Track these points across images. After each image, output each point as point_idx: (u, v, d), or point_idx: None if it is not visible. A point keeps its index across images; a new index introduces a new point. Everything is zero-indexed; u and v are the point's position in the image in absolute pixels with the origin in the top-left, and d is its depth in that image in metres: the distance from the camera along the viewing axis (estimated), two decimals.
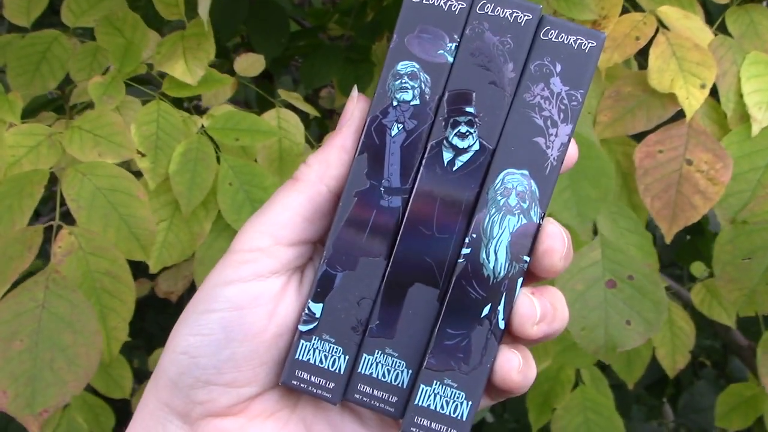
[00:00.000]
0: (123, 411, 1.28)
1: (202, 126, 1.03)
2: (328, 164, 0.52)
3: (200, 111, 1.12)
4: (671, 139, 0.99)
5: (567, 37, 0.51)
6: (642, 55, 1.06)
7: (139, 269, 0.97)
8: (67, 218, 0.93)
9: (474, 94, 0.51)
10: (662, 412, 1.63)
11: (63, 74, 1.12)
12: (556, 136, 0.50)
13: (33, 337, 0.85)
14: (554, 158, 0.50)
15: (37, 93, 1.12)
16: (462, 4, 0.51)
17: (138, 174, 0.99)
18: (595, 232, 0.99)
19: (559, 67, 0.51)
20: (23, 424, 0.85)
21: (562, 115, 0.51)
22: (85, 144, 0.95)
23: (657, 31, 1.01)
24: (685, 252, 1.56)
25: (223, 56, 1.61)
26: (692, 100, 0.97)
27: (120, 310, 0.91)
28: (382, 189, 0.51)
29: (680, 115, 1.00)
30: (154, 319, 1.53)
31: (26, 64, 1.12)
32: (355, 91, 0.55)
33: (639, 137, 1.04)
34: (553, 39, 0.51)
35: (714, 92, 1.03)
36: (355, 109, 0.53)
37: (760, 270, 0.94)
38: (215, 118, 1.04)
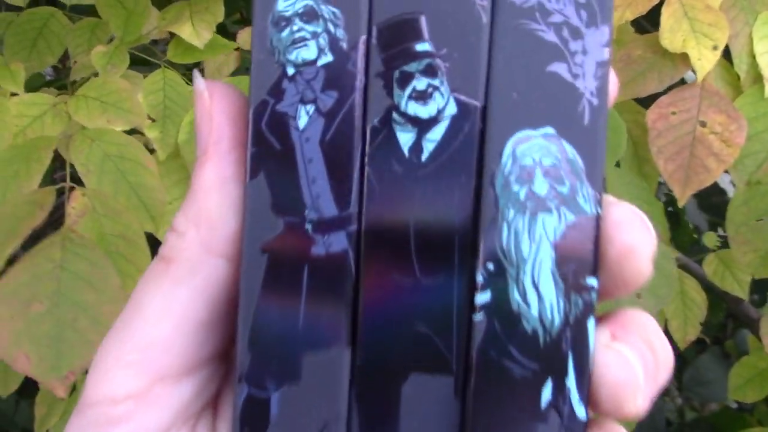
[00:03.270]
0: None
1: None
2: (210, 220, 0.32)
3: None
4: (684, 101, 0.93)
5: None
6: (646, 19, 1.05)
7: None
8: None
9: (423, 18, 0.30)
10: (669, 390, 1.63)
11: (61, 50, 1.08)
12: (584, 52, 0.31)
13: (53, 298, 0.80)
14: (593, 91, 0.30)
15: (34, 69, 1.07)
16: None
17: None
18: None
19: None
20: (50, 388, 0.80)
21: (585, 14, 0.30)
22: (92, 111, 0.91)
23: None
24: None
25: (223, 33, 1.62)
26: (704, 61, 0.92)
27: (136, 277, 0.85)
28: (308, 226, 0.31)
29: (692, 79, 0.96)
30: None
31: (23, 41, 1.08)
32: (199, 80, 0.33)
33: (648, 105, 1.02)
34: None
35: (727, 54, 0.97)
36: (213, 110, 0.32)
37: None
38: None
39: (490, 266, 0.30)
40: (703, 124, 0.94)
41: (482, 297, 0.30)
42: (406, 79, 0.31)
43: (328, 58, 0.31)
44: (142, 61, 1.04)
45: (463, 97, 0.31)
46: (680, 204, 0.94)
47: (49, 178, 0.89)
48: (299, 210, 0.31)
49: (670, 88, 0.98)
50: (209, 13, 1.01)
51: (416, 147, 0.31)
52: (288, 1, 0.31)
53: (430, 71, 0.31)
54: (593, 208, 0.30)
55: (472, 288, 0.30)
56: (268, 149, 0.31)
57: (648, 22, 1.07)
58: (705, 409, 1.59)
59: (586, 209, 0.30)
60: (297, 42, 0.31)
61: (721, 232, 1.31)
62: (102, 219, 0.86)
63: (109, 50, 0.98)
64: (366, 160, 0.31)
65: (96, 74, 0.98)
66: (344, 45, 0.31)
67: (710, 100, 0.95)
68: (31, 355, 0.80)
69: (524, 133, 0.30)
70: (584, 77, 0.31)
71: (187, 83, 0.99)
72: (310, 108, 0.31)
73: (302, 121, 0.31)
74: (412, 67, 0.31)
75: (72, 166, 0.88)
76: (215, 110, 0.32)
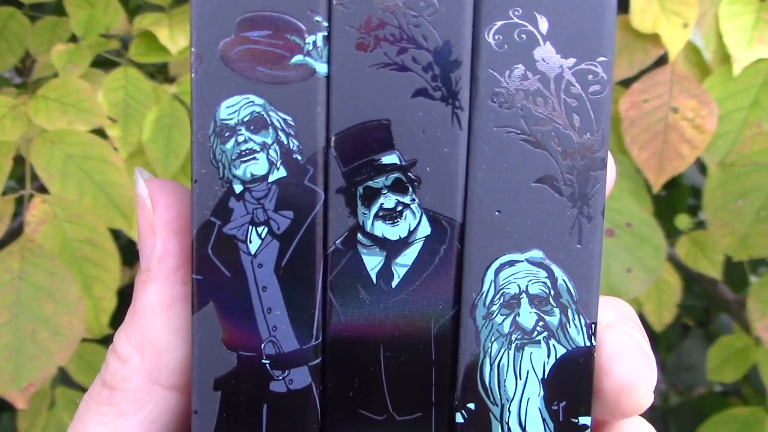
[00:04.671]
0: None
1: (174, 94, 0.96)
2: (156, 348, 0.29)
3: (168, 81, 1.04)
4: (655, 87, 0.92)
5: None
6: None
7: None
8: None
9: (390, 126, 0.26)
10: None
11: (22, 51, 1.06)
12: (577, 163, 0.27)
13: (12, 309, 0.79)
14: (587, 207, 0.27)
15: None
16: None
17: None
18: None
19: (545, 23, 0.26)
20: (9, 400, 0.78)
21: (578, 119, 0.27)
22: (52, 113, 0.89)
23: None
24: (662, 207, 1.51)
25: None
26: (675, 40, 0.91)
27: (105, 279, 0.84)
28: (265, 361, 0.27)
29: (662, 62, 0.94)
30: None
31: None
32: (141, 184, 0.29)
33: (624, 83, 0.97)
34: None
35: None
36: (156, 221, 0.29)
37: (751, 212, 0.89)
38: (187, 83, 0.95)
39: (471, 406, 0.27)
40: (675, 111, 0.93)
41: None
42: (371, 196, 0.27)
43: (280, 172, 0.27)
44: (104, 61, 1.02)
45: (439, 214, 0.27)
46: (654, 191, 0.94)
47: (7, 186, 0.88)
48: (254, 344, 0.27)
49: (641, 73, 0.97)
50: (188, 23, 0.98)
51: (385, 272, 0.27)
52: (232, 107, 0.27)
53: (399, 187, 0.27)
54: (587, 340, 0.27)
55: (452, 429, 0.27)
56: (215, 277, 0.27)
57: None
58: (691, 393, 1.58)
59: (579, 341, 0.27)
60: (244, 155, 0.27)
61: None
62: (64, 225, 0.83)
63: (69, 49, 0.95)
64: (329, 287, 0.27)
65: (57, 74, 0.95)
66: (299, 157, 0.27)
67: (681, 85, 0.94)
68: None
69: (508, 257, 0.27)
70: (577, 191, 0.27)
71: (149, 80, 0.97)
72: (263, 230, 0.27)
73: (254, 245, 0.27)
74: (378, 182, 0.27)
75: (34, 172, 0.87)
76: (159, 221, 0.29)
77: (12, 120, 0.91)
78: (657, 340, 1.45)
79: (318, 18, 0.26)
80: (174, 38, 0.97)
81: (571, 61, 0.27)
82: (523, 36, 0.27)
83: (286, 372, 0.27)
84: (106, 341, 1.11)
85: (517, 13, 0.26)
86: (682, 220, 1.30)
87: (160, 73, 1.12)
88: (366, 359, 0.27)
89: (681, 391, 1.57)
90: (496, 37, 0.26)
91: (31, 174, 0.87)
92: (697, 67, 1.00)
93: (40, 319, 0.80)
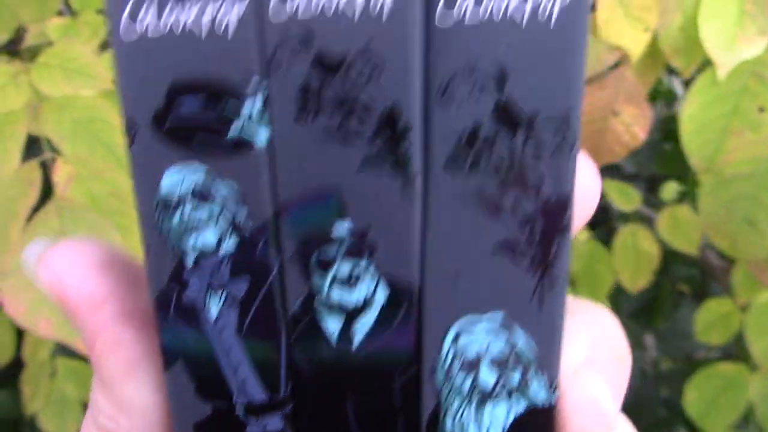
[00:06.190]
0: None
1: None
2: (137, 408, 0.28)
3: None
4: (603, 90, 0.94)
5: (498, 3, 0.23)
6: None
7: None
8: None
9: (341, 191, 0.25)
10: (643, 343, 1.56)
11: (15, 24, 1.04)
12: (536, 227, 0.25)
13: None
14: (548, 277, 0.25)
15: None
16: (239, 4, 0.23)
17: None
18: None
19: (504, 77, 0.23)
20: (73, 347, 0.81)
21: (540, 181, 0.24)
22: (56, 79, 0.88)
23: None
24: (665, 161, 1.46)
25: None
26: (637, 43, 0.92)
27: (136, 230, 0.77)
28: (239, 413, 0.27)
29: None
30: None
31: None
32: (36, 270, 0.28)
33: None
34: (467, 20, 0.23)
35: None
36: (78, 310, 0.28)
37: (737, 219, 0.91)
38: None
39: None
40: (616, 114, 0.95)
41: None
42: (326, 263, 0.25)
43: (232, 241, 0.25)
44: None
45: (395, 280, 0.25)
46: None
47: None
48: (226, 396, 0.27)
49: None
50: None
51: (344, 336, 0.26)
52: (173, 177, 0.24)
53: (353, 254, 0.25)
54: (547, 398, 0.26)
55: None
56: (180, 339, 0.26)
57: None
58: (689, 361, 1.57)
59: (540, 397, 0.26)
60: (191, 228, 0.25)
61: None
62: (89, 183, 0.85)
63: (66, 23, 0.96)
64: (292, 346, 0.26)
65: (50, 42, 0.95)
66: (249, 225, 0.25)
67: (627, 92, 0.96)
68: (52, 318, 0.81)
69: (467, 320, 0.25)
70: (537, 258, 0.25)
71: None
72: (220, 297, 0.26)
73: (213, 311, 0.26)
74: (330, 251, 0.25)
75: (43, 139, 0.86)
76: (81, 311, 0.27)
77: (15, 88, 0.92)
78: (654, 309, 1.49)
79: (255, 83, 0.24)
80: None
81: (534, 115, 0.24)
82: (478, 95, 0.24)
83: (260, 418, 0.27)
84: None
85: (471, 68, 0.23)
86: (669, 190, 1.31)
87: None
88: (333, 409, 0.27)
89: (676, 358, 1.59)
90: (449, 97, 0.24)
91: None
92: (650, 57, 0.99)
93: None
